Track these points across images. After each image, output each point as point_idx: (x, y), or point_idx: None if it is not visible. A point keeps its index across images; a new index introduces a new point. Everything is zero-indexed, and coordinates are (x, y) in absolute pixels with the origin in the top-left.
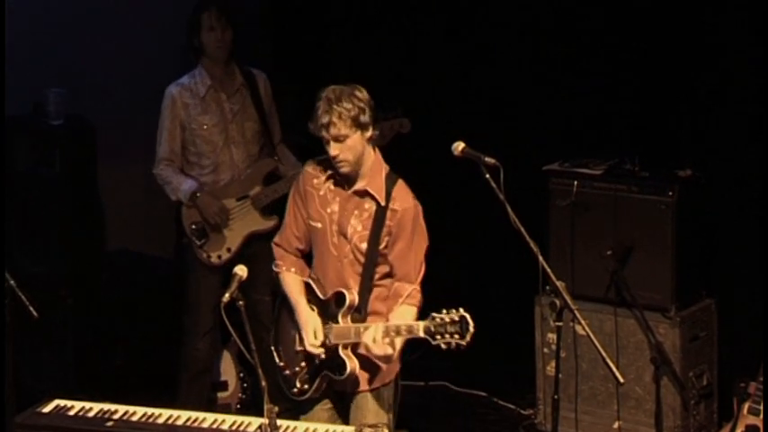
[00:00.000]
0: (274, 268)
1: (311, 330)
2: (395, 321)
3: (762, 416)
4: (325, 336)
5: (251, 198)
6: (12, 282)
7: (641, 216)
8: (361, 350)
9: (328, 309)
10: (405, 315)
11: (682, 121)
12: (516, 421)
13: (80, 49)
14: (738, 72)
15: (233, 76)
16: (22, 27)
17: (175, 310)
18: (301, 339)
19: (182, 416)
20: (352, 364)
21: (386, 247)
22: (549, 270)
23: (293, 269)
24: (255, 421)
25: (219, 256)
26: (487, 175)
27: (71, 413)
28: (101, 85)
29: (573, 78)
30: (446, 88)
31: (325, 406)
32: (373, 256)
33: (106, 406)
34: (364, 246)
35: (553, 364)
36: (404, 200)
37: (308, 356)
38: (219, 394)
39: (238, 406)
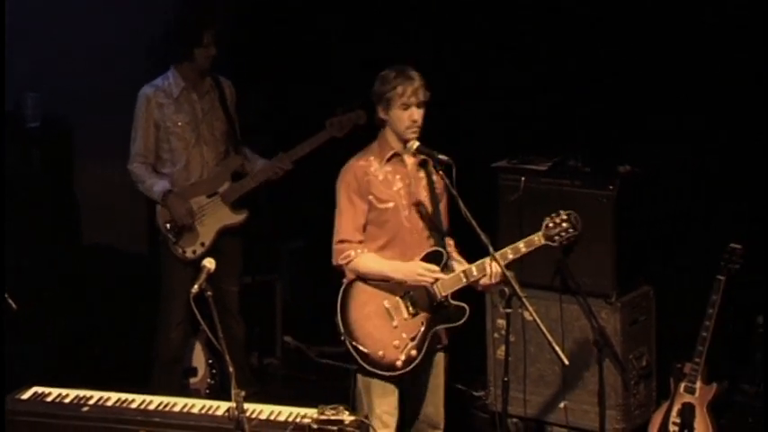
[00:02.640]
0: (343, 261)
1: (425, 267)
2: (511, 245)
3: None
4: (431, 295)
5: (221, 194)
6: None
7: (584, 209)
8: (491, 281)
9: None
10: (462, 263)
11: (622, 120)
12: (468, 402)
13: (53, 52)
14: (672, 72)
15: (203, 79)
16: None
17: (149, 302)
18: (397, 313)
19: (154, 401)
20: (466, 305)
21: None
22: (499, 260)
23: (365, 250)
24: (223, 405)
25: (194, 251)
26: (441, 172)
27: (48, 399)
28: (74, 88)
29: (519, 81)
30: None
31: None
32: (439, 216)
33: (82, 392)
34: (431, 209)
35: (503, 348)
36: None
37: (410, 326)
38: (190, 380)
39: (207, 391)
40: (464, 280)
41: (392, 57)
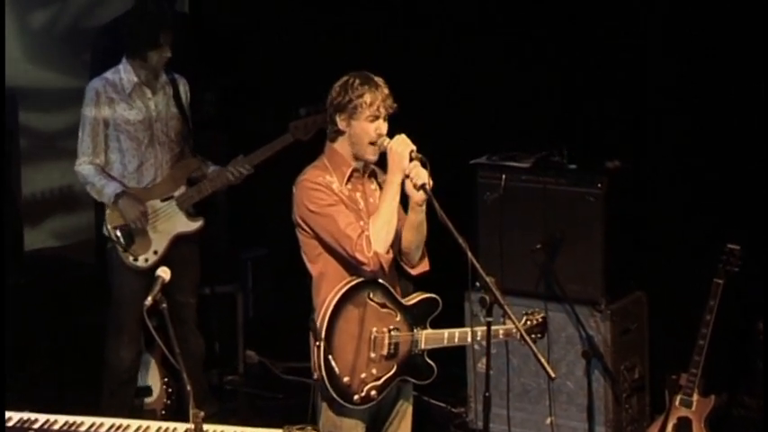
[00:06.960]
0: (364, 241)
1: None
2: (501, 327)
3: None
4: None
5: (176, 199)
6: None
7: (570, 209)
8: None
9: (415, 313)
10: None
11: (609, 113)
12: (447, 420)
13: None
14: (662, 64)
15: (157, 75)
16: None
17: (97, 315)
18: (380, 346)
19: (105, 423)
20: (435, 367)
21: None
22: (478, 265)
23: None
24: (181, 427)
25: (146, 260)
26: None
27: None
28: (16, 87)
29: (498, 72)
30: None
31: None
32: (397, 234)
33: (26, 415)
34: None
35: (484, 360)
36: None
37: (383, 366)
38: (145, 400)
39: (163, 412)
40: (445, 342)
41: (362, 53)
